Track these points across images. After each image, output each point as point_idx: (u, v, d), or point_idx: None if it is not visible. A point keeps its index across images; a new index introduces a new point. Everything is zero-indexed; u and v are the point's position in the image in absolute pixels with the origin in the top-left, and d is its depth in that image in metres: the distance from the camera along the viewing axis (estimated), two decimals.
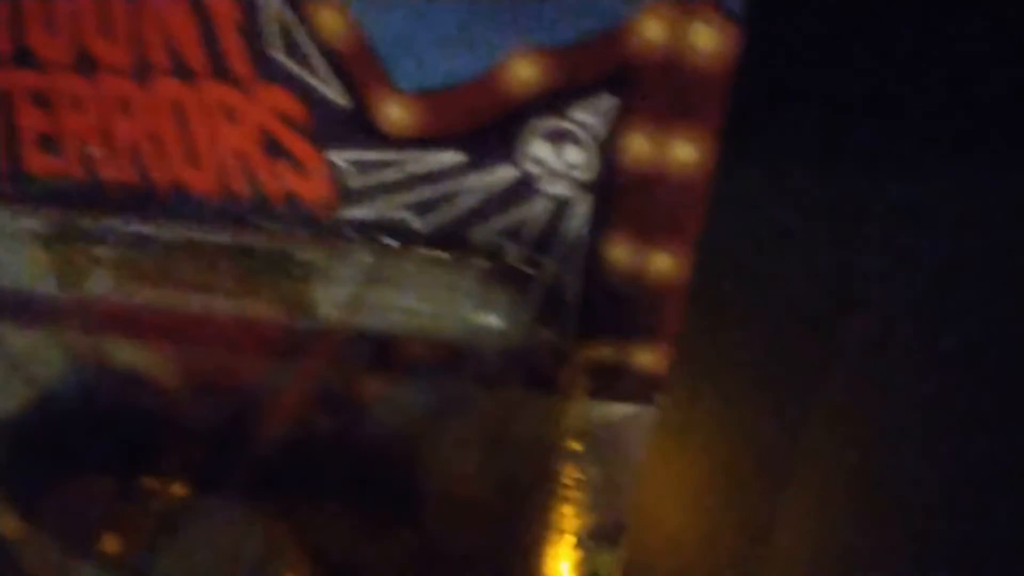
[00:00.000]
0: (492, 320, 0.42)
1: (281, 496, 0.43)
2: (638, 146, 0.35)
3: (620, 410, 0.44)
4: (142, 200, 0.41)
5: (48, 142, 0.40)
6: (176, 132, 0.39)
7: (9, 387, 0.45)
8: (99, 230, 0.43)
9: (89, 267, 0.45)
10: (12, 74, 0.38)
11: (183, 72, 0.37)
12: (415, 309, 0.42)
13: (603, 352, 0.42)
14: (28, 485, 0.42)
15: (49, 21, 0.36)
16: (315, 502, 0.43)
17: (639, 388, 0.43)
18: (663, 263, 0.38)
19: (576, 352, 0.42)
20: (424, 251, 0.41)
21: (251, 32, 0.35)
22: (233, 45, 0.36)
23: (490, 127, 0.36)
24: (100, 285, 0.45)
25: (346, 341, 0.44)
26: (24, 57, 0.38)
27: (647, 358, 0.42)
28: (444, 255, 0.41)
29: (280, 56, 0.36)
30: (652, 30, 0.32)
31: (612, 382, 0.43)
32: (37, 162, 0.41)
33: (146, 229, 0.42)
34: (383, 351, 0.44)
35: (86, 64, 0.37)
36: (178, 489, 0.43)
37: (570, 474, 0.44)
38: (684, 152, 0.35)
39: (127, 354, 0.46)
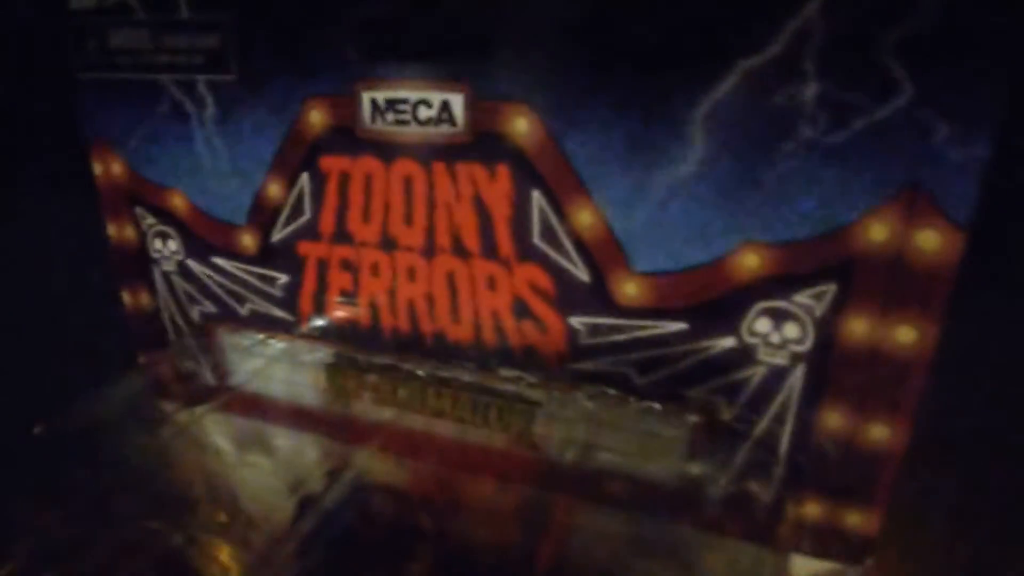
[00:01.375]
0: (698, 469, 0.43)
1: None
2: (857, 327, 0.36)
3: (827, 567, 0.42)
4: (409, 343, 0.49)
5: (347, 296, 0.49)
6: (447, 295, 0.46)
7: (286, 489, 0.52)
8: (370, 363, 0.51)
9: (358, 391, 0.52)
10: (333, 247, 0.48)
11: (461, 251, 0.44)
12: (628, 451, 0.45)
13: (813, 510, 0.41)
14: None
15: (366, 212, 0.46)
16: None
17: (848, 548, 0.41)
18: (878, 433, 0.38)
19: (786, 507, 0.41)
20: (640, 402, 0.43)
21: (518, 223, 0.42)
22: (503, 233, 0.42)
23: (714, 304, 0.39)
24: (365, 406, 0.52)
25: (562, 472, 0.46)
26: (344, 236, 0.47)
27: (857, 519, 0.41)
28: (658, 406, 0.43)
29: (539, 242, 0.42)
30: (877, 232, 0.34)
31: (821, 539, 0.42)
32: (336, 311, 0.50)
33: (407, 365, 0.49)
34: (596, 485, 0.46)
35: (389, 243, 0.46)
36: None
37: None
38: (904, 335, 0.35)
39: (377, 465, 0.52)
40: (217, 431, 0.56)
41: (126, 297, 0.58)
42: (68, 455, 0.45)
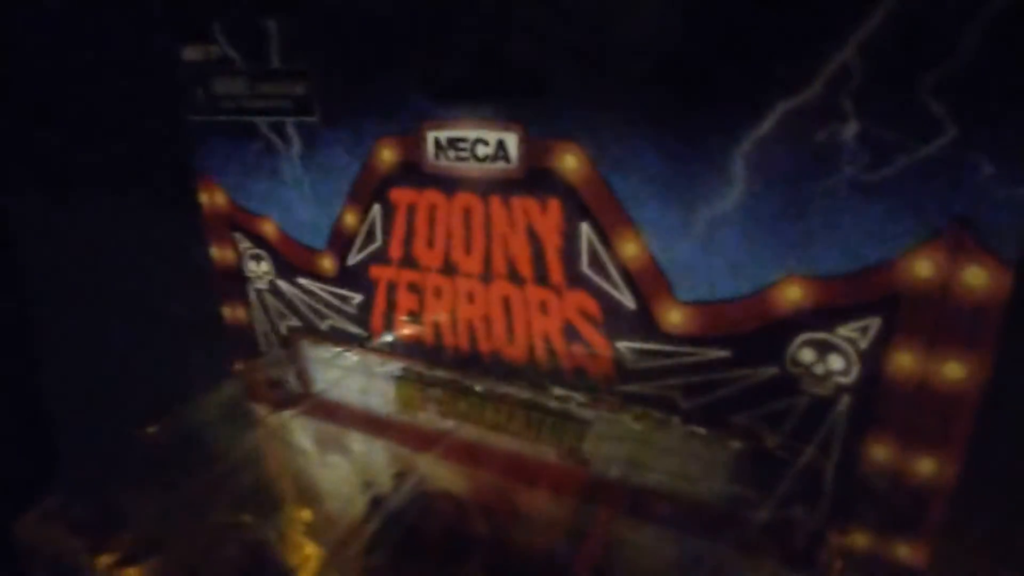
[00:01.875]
0: (741, 493, 0.43)
1: None
2: (903, 361, 0.36)
3: None
4: (468, 361, 0.52)
5: (413, 316, 0.53)
6: (503, 318, 0.48)
7: (358, 489, 0.56)
8: (433, 378, 0.54)
9: (423, 402, 0.56)
10: (400, 271, 0.52)
11: (515, 278, 0.47)
12: (672, 472, 0.45)
13: (858, 539, 0.41)
14: None
15: (431, 241, 0.49)
16: None
17: None
18: (926, 466, 0.37)
19: (831, 536, 0.41)
20: (685, 425, 0.44)
21: (567, 253, 0.44)
22: (554, 261, 0.44)
23: (757, 334, 0.39)
24: (429, 417, 0.56)
25: (609, 488, 0.48)
26: (410, 262, 0.51)
27: (906, 551, 0.40)
28: (702, 430, 0.44)
29: (587, 270, 0.44)
30: (921, 268, 0.33)
31: (867, 569, 0.41)
32: (403, 329, 0.54)
33: (467, 381, 0.52)
34: (640, 501, 0.47)
35: (450, 269, 0.49)
36: None
37: None
38: (952, 371, 0.34)
39: (438, 471, 0.55)
40: (302, 433, 0.62)
41: (226, 311, 0.65)
42: (174, 452, 0.51)
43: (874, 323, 0.36)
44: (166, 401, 0.56)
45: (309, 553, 0.45)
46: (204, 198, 0.62)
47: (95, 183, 0.78)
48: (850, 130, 0.33)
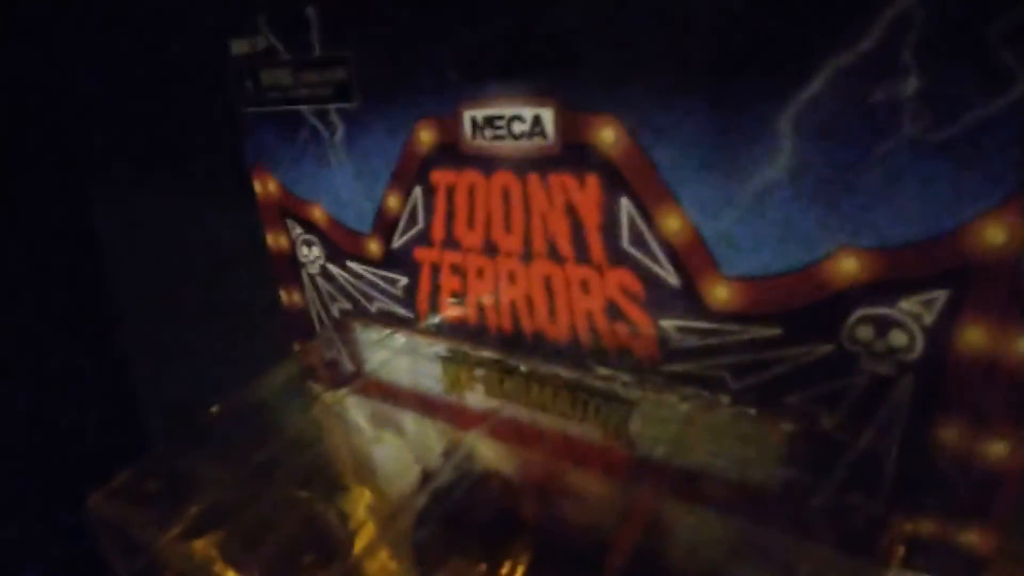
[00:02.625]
0: (796, 476, 0.42)
1: None
2: (973, 336, 0.33)
3: None
4: (512, 341, 0.52)
5: (457, 297, 0.53)
6: (544, 297, 0.48)
7: (409, 466, 0.58)
8: (478, 358, 0.55)
9: (470, 382, 0.56)
10: (443, 253, 0.52)
11: (556, 256, 0.46)
12: (722, 453, 0.44)
13: (924, 526, 0.38)
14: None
15: (471, 221, 0.49)
16: None
17: (962, 567, 0.38)
18: (997, 448, 0.34)
19: (894, 521, 0.39)
20: (734, 405, 0.43)
21: (608, 230, 0.43)
22: (594, 239, 0.44)
23: (810, 310, 0.37)
24: (475, 396, 0.56)
25: (658, 469, 0.47)
26: (452, 243, 0.51)
27: (972, 538, 0.37)
28: (753, 411, 0.42)
29: (629, 247, 0.42)
30: (992, 234, 0.31)
31: (933, 557, 0.38)
32: (448, 309, 0.54)
33: (512, 361, 0.53)
34: (689, 484, 0.46)
35: (491, 249, 0.49)
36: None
37: None
38: None
39: (485, 449, 0.56)
40: (355, 410, 0.64)
41: (283, 295, 0.68)
42: (237, 429, 0.54)
43: (940, 296, 0.33)
44: (228, 381, 0.59)
45: (363, 526, 0.47)
46: (258, 187, 0.64)
47: (170, 178, 0.82)
48: (910, 86, 0.30)
